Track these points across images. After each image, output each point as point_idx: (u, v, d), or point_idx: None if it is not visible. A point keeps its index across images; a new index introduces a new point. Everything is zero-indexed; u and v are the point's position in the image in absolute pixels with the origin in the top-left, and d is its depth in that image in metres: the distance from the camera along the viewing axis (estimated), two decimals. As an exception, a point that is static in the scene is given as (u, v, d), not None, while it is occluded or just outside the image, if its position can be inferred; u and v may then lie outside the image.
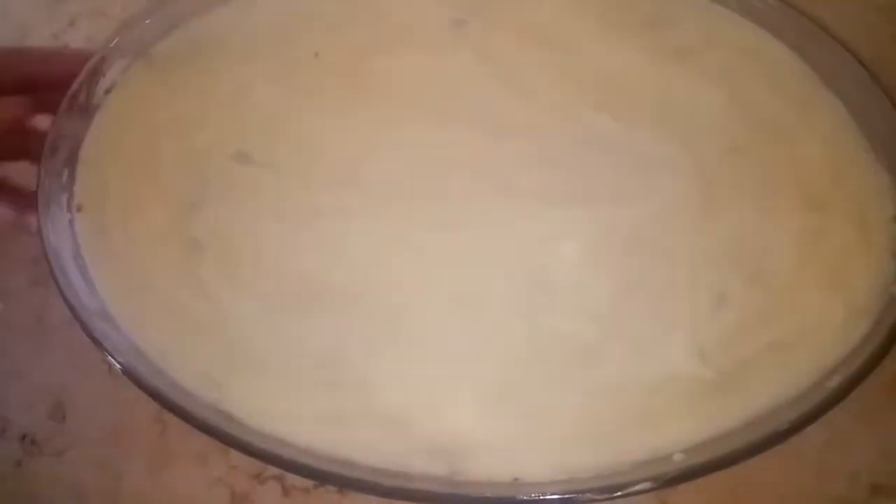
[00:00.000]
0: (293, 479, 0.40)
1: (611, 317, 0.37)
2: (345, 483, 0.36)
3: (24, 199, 0.39)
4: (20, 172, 0.41)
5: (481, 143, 0.40)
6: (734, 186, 0.38)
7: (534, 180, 0.39)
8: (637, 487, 0.33)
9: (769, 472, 0.38)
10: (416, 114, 0.41)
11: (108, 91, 0.43)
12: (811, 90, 0.40)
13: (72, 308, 0.37)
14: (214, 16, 0.44)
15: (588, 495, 0.33)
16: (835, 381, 0.34)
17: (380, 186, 0.39)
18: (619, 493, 0.33)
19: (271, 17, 0.44)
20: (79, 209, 0.41)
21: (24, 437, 0.42)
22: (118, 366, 0.36)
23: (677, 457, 0.34)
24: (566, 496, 0.33)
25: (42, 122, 0.39)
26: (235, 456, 0.39)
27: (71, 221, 0.40)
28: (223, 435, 0.35)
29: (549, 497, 0.33)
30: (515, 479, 0.35)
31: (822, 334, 0.36)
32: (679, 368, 0.36)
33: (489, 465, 0.35)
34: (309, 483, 0.39)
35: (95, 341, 0.36)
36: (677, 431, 0.35)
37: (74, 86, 0.42)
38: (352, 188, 0.39)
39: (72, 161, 0.42)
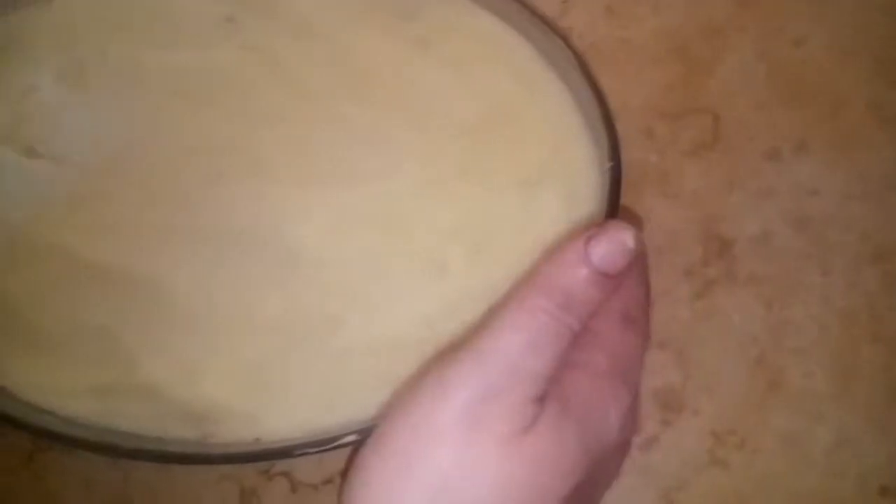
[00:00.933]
0: (301, 475, 0.42)
1: (349, 288, 0.41)
2: (101, 449, 0.39)
3: None
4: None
5: (243, 129, 0.43)
6: (461, 165, 0.42)
7: (285, 163, 0.42)
8: (344, 440, 0.37)
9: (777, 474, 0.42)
10: (186, 104, 0.44)
11: None
12: (539, 75, 0.43)
13: None
14: (12, 19, 0.47)
15: (300, 450, 0.37)
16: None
17: (146, 171, 0.43)
18: (329, 447, 0.37)
19: (65, 19, 0.47)
20: None
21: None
22: None
23: (395, 412, 0.38)
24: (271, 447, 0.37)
25: None
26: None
27: None
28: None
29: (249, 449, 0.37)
30: (256, 439, 0.39)
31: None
32: (409, 334, 0.40)
33: (234, 428, 0.39)
34: (317, 479, 0.42)
35: None
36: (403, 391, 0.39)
37: None
38: (121, 173, 0.43)
39: None
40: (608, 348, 0.32)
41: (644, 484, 0.43)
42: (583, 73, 0.40)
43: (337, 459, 0.42)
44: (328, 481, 0.43)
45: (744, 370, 0.44)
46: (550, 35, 0.42)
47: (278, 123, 0.43)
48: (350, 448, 0.37)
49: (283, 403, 0.40)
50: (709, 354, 0.44)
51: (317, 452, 0.37)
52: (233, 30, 0.45)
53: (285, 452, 0.37)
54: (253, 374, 0.40)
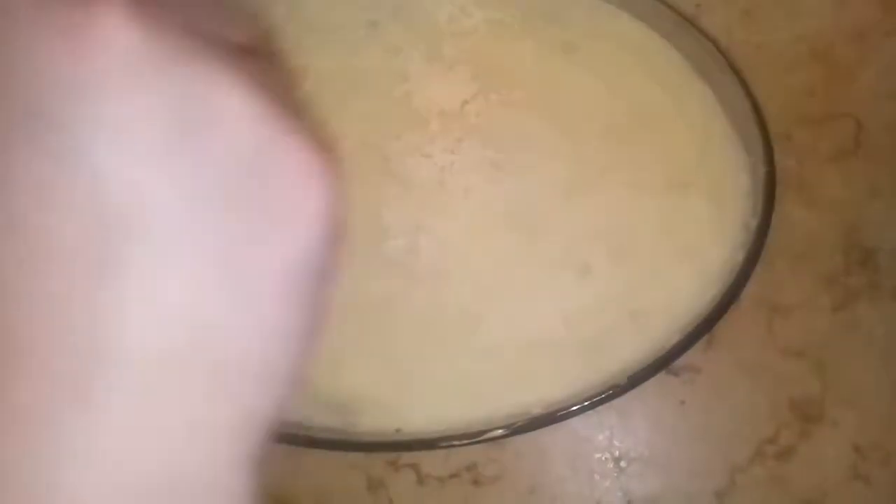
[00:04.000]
0: (428, 467, 0.43)
1: (489, 286, 0.41)
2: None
3: None
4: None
5: (382, 132, 0.44)
6: (606, 167, 0.42)
7: (425, 163, 0.43)
8: (491, 434, 0.38)
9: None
10: (329, 104, 0.45)
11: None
12: (683, 78, 0.42)
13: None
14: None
15: (446, 442, 0.38)
16: (672, 341, 0.38)
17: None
18: (476, 440, 0.38)
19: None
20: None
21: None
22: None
23: (535, 410, 0.39)
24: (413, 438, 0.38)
25: None
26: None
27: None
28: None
29: (394, 439, 0.38)
30: (397, 430, 0.40)
31: (676, 301, 0.40)
32: (547, 334, 0.40)
33: (376, 419, 0.41)
34: (444, 472, 0.43)
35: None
36: (541, 389, 0.40)
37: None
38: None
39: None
40: None
41: (780, 494, 0.42)
42: (736, 78, 0.40)
43: (464, 454, 0.43)
44: (454, 475, 0.43)
45: (888, 383, 0.42)
46: (700, 39, 0.41)
47: (418, 123, 0.44)
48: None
49: (423, 397, 0.41)
50: (850, 366, 0.43)
51: (463, 445, 0.38)
52: (376, 34, 0.46)
53: (430, 444, 0.38)
54: (395, 368, 0.41)
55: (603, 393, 0.38)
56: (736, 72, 0.40)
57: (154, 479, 0.15)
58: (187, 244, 0.15)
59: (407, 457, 0.43)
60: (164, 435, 0.15)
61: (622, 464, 0.43)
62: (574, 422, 0.42)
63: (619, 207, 0.41)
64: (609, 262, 0.41)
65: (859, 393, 0.42)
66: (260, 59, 0.18)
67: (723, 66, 0.41)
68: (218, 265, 0.15)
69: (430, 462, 0.43)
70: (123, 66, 0.14)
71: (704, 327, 0.38)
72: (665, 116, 0.42)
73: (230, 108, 0.15)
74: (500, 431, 0.37)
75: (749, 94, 0.40)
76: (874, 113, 0.46)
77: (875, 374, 0.43)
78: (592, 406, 0.38)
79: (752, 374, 0.43)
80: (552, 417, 0.38)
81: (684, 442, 0.43)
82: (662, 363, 0.38)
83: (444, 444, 0.38)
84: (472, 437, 0.38)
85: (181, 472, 0.16)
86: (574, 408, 0.38)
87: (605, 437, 0.43)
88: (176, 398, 0.15)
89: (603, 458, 0.43)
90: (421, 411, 0.40)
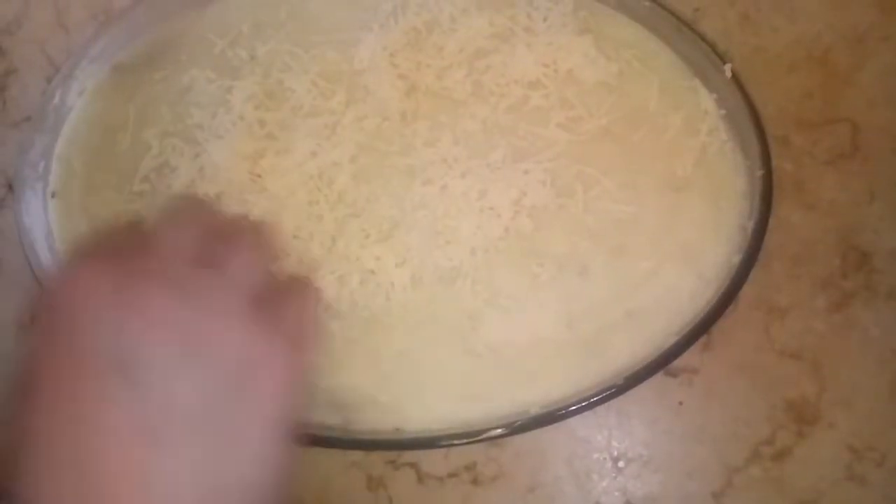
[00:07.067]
0: (428, 467, 0.43)
1: (488, 286, 0.42)
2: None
3: None
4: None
5: (381, 132, 0.44)
6: (604, 168, 0.42)
7: (424, 161, 0.44)
8: (490, 434, 0.38)
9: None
10: (326, 102, 0.46)
11: (80, 94, 0.50)
12: (681, 81, 0.43)
13: (37, 278, 0.44)
14: (168, 27, 0.50)
15: (446, 441, 0.38)
16: (670, 342, 0.38)
17: (299, 156, 0.45)
18: (475, 439, 0.38)
19: (218, 23, 0.49)
20: (52, 196, 0.48)
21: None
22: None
23: (533, 410, 0.39)
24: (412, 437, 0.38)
25: None
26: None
27: (45, 206, 0.47)
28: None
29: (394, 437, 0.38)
30: (396, 429, 0.41)
31: (673, 302, 0.40)
32: (545, 334, 0.41)
33: (375, 417, 0.41)
34: (443, 472, 0.43)
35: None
36: (540, 389, 0.40)
37: (50, 88, 0.48)
38: (274, 154, 0.45)
39: (47, 154, 0.48)
40: None
41: (776, 495, 0.42)
42: (734, 81, 0.40)
43: (463, 453, 0.43)
44: (453, 474, 0.44)
45: (884, 385, 0.43)
46: (699, 42, 0.42)
47: (418, 120, 0.44)
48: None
49: (422, 396, 0.41)
50: (846, 368, 0.43)
51: (462, 444, 0.38)
52: (378, 32, 0.47)
53: (430, 443, 0.39)
54: (395, 367, 0.42)
55: (601, 393, 0.38)
56: (734, 75, 0.41)
57: None
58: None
59: (407, 456, 0.44)
60: None
61: (620, 464, 0.43)
62: (572, 422, 0.42)
63: (617, 208, 0.42)
64: (607, 262, 0.41)
65: (855, 394, 0.43)
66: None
67: (721, 69, 0.41)
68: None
69: (430, 461, 0.44)
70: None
71: (702, 328, 0.38)
72: (663, 119, 0.43)
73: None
74: (499, 431, 0.38)
75: (747, 98, 0.40)
76: (871, 116, 0.47)
77: (870, 376, 0.43)
78: (591, 406, 0.38)
79: (749, 376, 0.43)
80: (551, 417, 0.38)
81: (682, 442, 0.43)
82: (660, 364, 0.38)
83: (444, 443, 0.38)
84: (472, 436, 0.38)
85: None
86: (572, 408, 0.38)
87: (604, 437, 0.43)
88: None
89: (601, 459, 0.43)
90: (420, 410, 0.41)
